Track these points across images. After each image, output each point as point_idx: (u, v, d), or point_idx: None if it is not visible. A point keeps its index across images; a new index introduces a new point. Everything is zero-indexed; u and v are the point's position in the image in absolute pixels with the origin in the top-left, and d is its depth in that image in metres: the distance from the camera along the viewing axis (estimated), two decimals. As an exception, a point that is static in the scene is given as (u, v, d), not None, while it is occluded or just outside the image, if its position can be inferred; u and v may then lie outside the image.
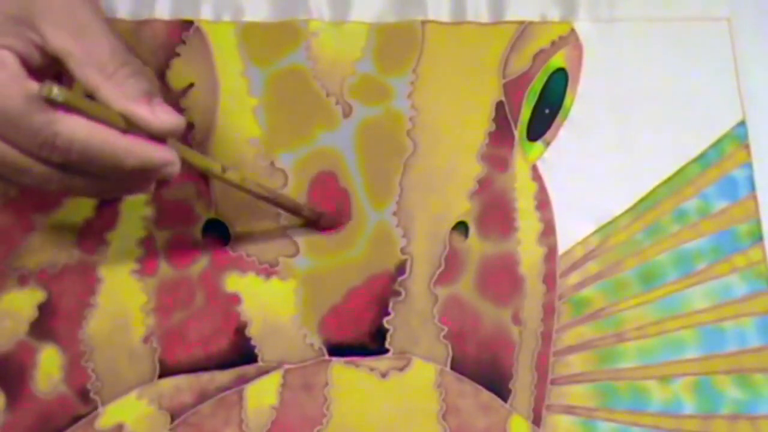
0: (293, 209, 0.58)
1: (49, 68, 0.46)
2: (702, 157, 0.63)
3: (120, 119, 0.45)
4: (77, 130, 0.44)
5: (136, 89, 0.46)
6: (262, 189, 0.55)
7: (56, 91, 0.42)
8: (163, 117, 0.47)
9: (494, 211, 0.61)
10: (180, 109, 0.61)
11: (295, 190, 0.60)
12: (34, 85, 0.43)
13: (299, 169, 0.61)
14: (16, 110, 0.43)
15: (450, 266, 0.60)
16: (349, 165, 0.61)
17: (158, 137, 0.47)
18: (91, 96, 0.46)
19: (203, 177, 0.60)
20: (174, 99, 0.61)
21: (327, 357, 0.57)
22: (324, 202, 0.60)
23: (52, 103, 0.43)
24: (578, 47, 0.65)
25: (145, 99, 0.46)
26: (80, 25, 0.46)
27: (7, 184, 0.59)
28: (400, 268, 0.59)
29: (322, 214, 0.59)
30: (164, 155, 0.47)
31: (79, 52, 0.45)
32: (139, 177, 0.48)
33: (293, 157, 0.61)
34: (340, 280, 0.59)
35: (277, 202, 0.57)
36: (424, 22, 0.65)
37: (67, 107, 0.43)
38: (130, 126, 0.46)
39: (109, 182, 0.48)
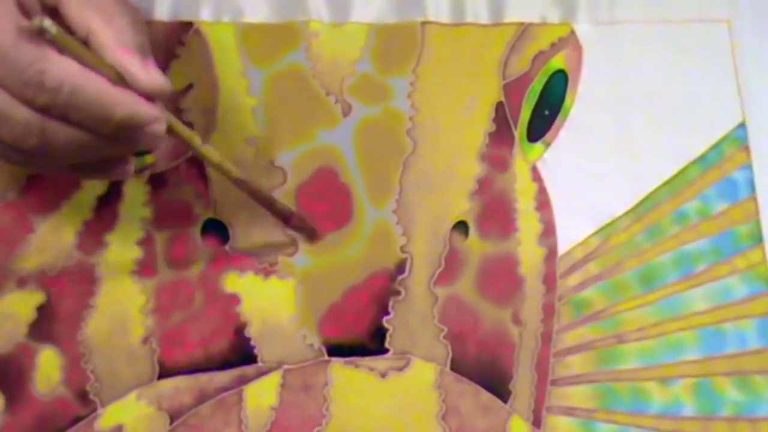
0: (265, 201, 0.57)
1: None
2: (702, 158, 0.63)
3: (111, 69, 0.44)
4: (67, 70, 0.42)
5: (132, 40, 0.45)
6: (236, 172, 0.54)
7: (49, 22, 0.41)
8: (154, 76, 0.45)
9: (494, 212, 0.61)
10: (180, 110, 0.61)
11: (295, 187, 0.61)
12: (25, 22, 0.42)
13: (299, 167, 0.61)
14: (5, 44, 0.41)
15: (450, 266, 0.59)
16: (349, 162, 0.61)
17: (146, 94, 0.46)
18: (84, 42, 0.44)
19: (202, 177, 0.60)
20: (174, 100, 0.61)
21: (326, 357, 0.57)
22: (324, 199, 0.60)
23: (43, 37, 0.41)
24: (578, 49, 0.65)
25: (139, 53, 0.45)
26: None
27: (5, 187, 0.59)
28: (400, 267, 0.59)
29: (293, 213, 0.59)
30: (153, 110, 0.46)
31: None
32: (124, 135, 0.46)
33: (293, 155, 0.61)
34: (340, 279, 0.59)
35: (250, 188, 0.56)
36: (423, 23, 0.65)
37: (59, 47, 0.42)
38: (119, 79, 0.44)
39: (93, 139, 0.46)
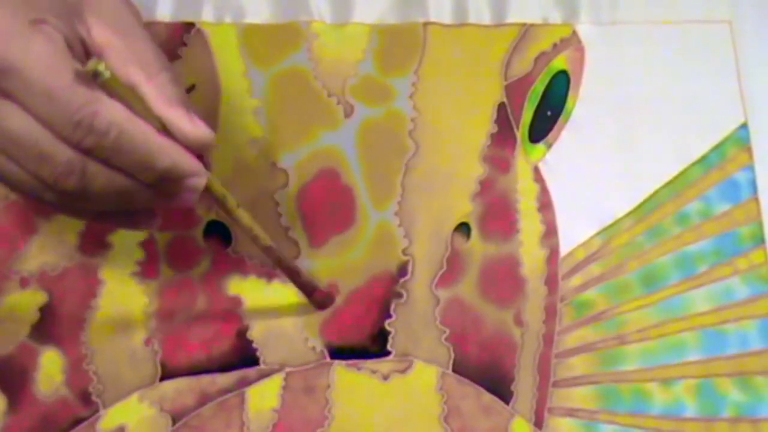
0: (289, 272, 0.56)
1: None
2: (704, 159, 0.63)
3: (157, 119, 0.44)
4: (117, 114, 0.42)
5: (176, 96, 0.45)
6: (267, 239, 0.53)
7: (103, 66, 0.41)
8: (201, 128, 0.46)
9: (496, 213, 0.61)
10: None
11: (297, 189, 0.61)
12: (79, 65, 0.42)
13: (301, 168, 0.61)
14: (59, 83, 0.41)
15: (452, 268, 0.59)
16: (351, 164, 0.61)
17: (191, 146, 0.46)
18: None
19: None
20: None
21: (329, 359, 0.57)
22: (327, 200, 0.60)
23: (96, 80, 0.41)
24: (580, 50, 0.65)
25: (183, 107, 0.45)
26: (126, 26, 0.45)
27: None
28: (402, 270, 0.59)
29: (317, 288, 0.58)
30: (195, 164, 0.46)
31: (123, 47, 0.44)
32: (163, 186, 0.46)
33: (295, 156, 0.61)
34: (342, 281, 0.59)
35: (278, 258, 0.55)
36: (425, 24, 0.65)
37: (110, 91, 0.42)
38: (165, 129, 0.45)
39: (132, 185, 0.45)
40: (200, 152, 0.47)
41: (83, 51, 0.44)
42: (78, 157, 0.43)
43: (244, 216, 0.51)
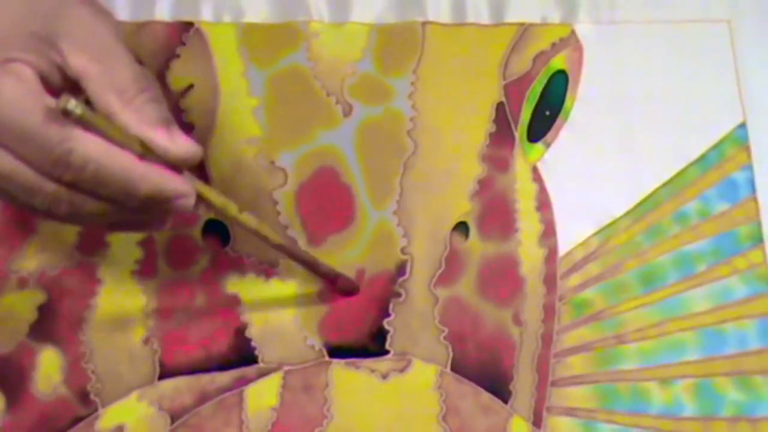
0: (309, 264, 0.57)
1: (66, 89, 0.44)
2: (702, 159, 0.63)
3: (137, 144, 0.44)
4: (93, 148, 0.43)
5: (154, 116, 0.45)
6: (277, 238, 0.53)
7: (73, 103, 0.41)
8: (181, 144, 0.45)
9: (495, 212, 0.61)
10: (180, 110, 0.61)
11: (296, 188, 0.61)
12: (51, 101, 0.42)
13: (299, 167, 0.61)
14: (31, 124, 0.41)
15: (450, 267, 0.60)
16: (350, 163, 0.61)
17: (175, 164, 0.45)
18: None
19: (203, 178, 0.59)
20: (174, 100, 0.61)
21: (327, 358, 0.57)
22: (325, 199, 0.60)
23: (68, 117, 0.41)
24: (579, 49, 0.65)
25: (163, 126, 0.45)
26: (102, 48, 0.45)
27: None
28: (401, 269, 0.59)
29: (339, 275, 0.58)
30: (179, 186, 0.45)
31: (100, 75, 0.44)
32: (152, 208, 0.46)
33: (293, 155, 0.61)
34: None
35: (292, 252, 0.55)
36: (424, 23, 0.65)
37: (84, 124, 0.42)
38: (146, 151, 0.44)
39: (121, 210, 0.46)
40: (187, 167, 0.46)
41: (62, 78, 0.44)
42: (63, 189, 0.43)
43: (249, 219, 0.51)
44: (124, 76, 0.44)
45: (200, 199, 0.47)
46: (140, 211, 0.47)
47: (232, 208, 0.50)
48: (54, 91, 0.43)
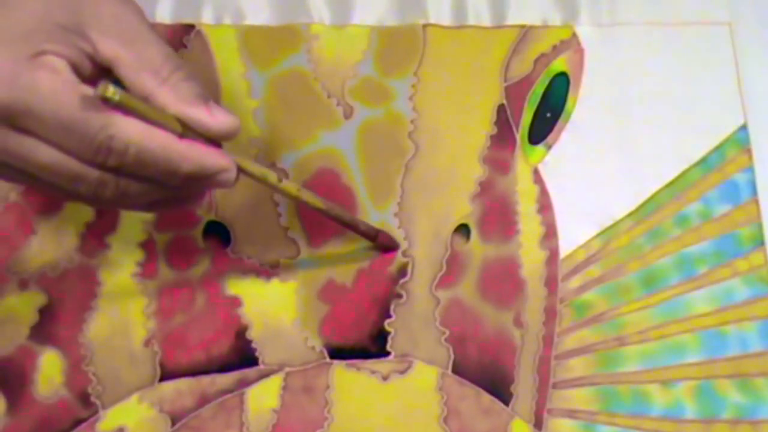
0: (349, 223, 0.57)
1: (99, 78, 0.44)
2: (704, 161, 0.63)
3: (176, 122, 0.44)
4: (133, 132, 0.43)
5: (191, 93, 0.45)
6: (318, 201, 0.54)
7: (112, 89, 0.41)
8: (221, 118, 0.45)
9: (496, 214, 0.61)
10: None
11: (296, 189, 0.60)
12: (88, 89, 0.42)
13: (300, 169, 0.61)
14: (71, 115, 0.41)
15: (451, 269, 0.60)
16: (351, 165, 0.61)
17: (216, 139, 0.46)
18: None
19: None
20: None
21: (328, 360, 0.57)
22: (328, 200, 0.60)
23: (107, 104, 0.42)
24: (579, 51, 0.65)
25: (201, 102, 0.45)
26: (130, 32, 0.45)
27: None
28: (402, 270, 0.59)
29: (379, 231, 0.59)
30: (220, 161, 0.46)
31: (131, 57, 0.44)
32: (194, 184, 0.47)
33: (294, 157, 0.61)
34: (341, 281, 0.59)
35: (333, 214, 0.56)
36: (425, 26, 0.65)
37: (123, 109, 0.42)
38: (186, 129, 0.45)
39: (164, 189, 0.46)
40: (228, 140, 0.47)
41: (93, 67, 0.44)
42: (107, 174, 0.44)
43: (290, 187, 0.52)
44: (156, 57, 0.45)
45: (240, 170, 0.48)
46: (183, 189, 0.47)
47: (272, 177, 0.50)
48: (86, 80, 0.43)
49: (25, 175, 0.44)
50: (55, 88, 0.41)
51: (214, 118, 0.45)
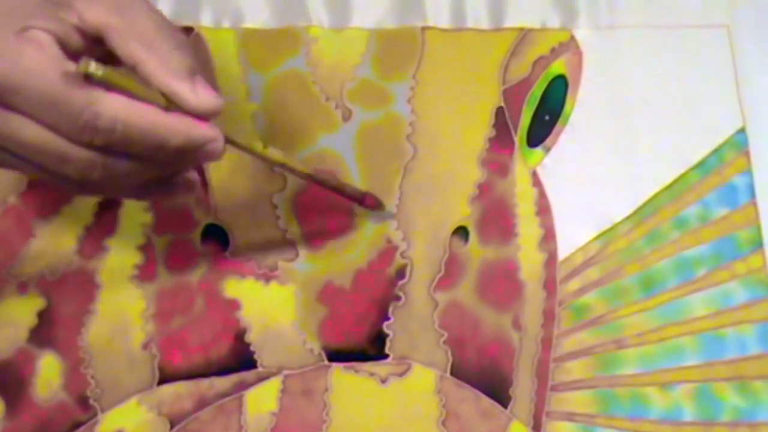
0: (336, 188, 0.58)
1: (88, 52, 0.44)
2: (702, 164, 0.63)
3: (160, 96, 0.44)
4: (119, 108, 0.42)
5: (180, 64, 0.44)
6: (303, 167, 0.55)
7: (94, 66, 0.41)
8: (204, 97, 0.45)
9: (494, 217, 0.61)
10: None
11: (295, 192, 0.61)
12: (71, 65, 0.42)
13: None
14: (55, 92, 0.41)
15: (450, 271, 0.60)
16: (350, 167, 0.61)
17: (198, 116, 0.45)
18: (132, 73, 0.44)
19: (202, 183, 0.60)
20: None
21: (327, 362, 0.57)
22: (325, 203, 0.60)
23: (91, 81, 0.41)
24: (578, 54, 0.66)
25: (188, 76, 0.45)
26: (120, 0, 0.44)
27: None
28: (400, 272, 0.59)
29: (366, 194, 0.59)
30: (208, 132, 0.46)
31: (121, 25, 0.44)
32: (183, 158, 0.47)
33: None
34: (340, 284, 0.59)
35: (319, 180, 0.56)
36: (424, 29, 0.65)
37: (107, 85, 0.42)
38: (170, 104, 0.44)
39: (153, 167, 0.46)
40: (211, 118, 0.46)
41: (83, 39, 0.44)
42: (94, 153, 0.43)
43: (275, 154, 0.52)
44: (146, 25, 0.44)
45: (226, 141, 0.48)
46: (172, 165, 0.47)
47: (258, 146, 0.51)
48: (75, 54, 0.43)
49: (12, 156, 0.44)
50: (40, 64, 0.41)
51: (197, 97, 0.45)
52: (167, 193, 0.51)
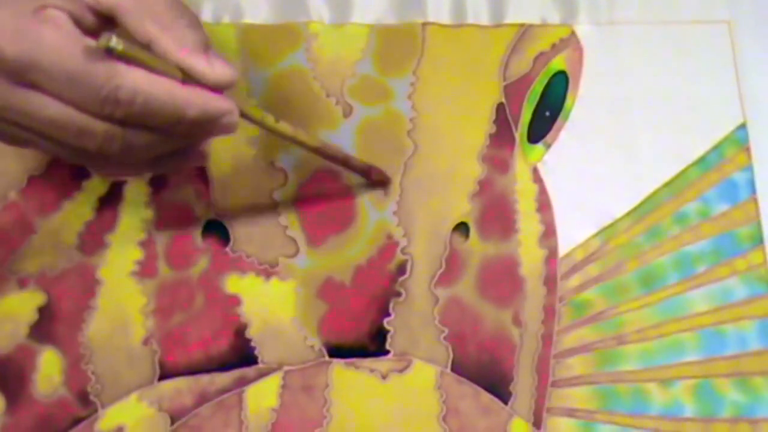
0: (343, 161, 0.58)
1: (102, 30, 0.44)
2: (702, 160, 0.63)
3: (177, 70, 0.45)
4: (139, 81, 0.43)
5: (192, 41, 0.46)
6: (313, 140, 0.55)
7: (115, 39, 0.42)
8: (219, 69, 0.46)
9: (495, 213, 0.61)
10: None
11: (296, 188, 0.61)
12: (91, 42, 0.43)
13: (299, 167, 0.61)
14: (77, 67, 0.42)
15: (451, 267, 0.60)
16: (350, 164, 0.61)
17: (215, 89, 0.47)
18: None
19: (203, 179, 0.60)
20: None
21: (327, 358, 0.57)
22: (325, 200, 0.61)
23: (111, 55, 0.42)
24: (579, 50, 0.65)
25: (202, 51, 0.46)
26: None
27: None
28: (401, 268, 0.59)
29: (372, 167, 0.60)
30: (223, 104, 0.47)
31: (134, 5, 0.45)
32: (199, 130, 0.47)
33: (293, 156, 0.61)
34: (340, 280, 0.59)
35: (327, 153, 0.57)
36: (424, 24, 0.65)
37: (126, 59, 0.43)
38: (187, 77, 0.45)
39: (170, 139, 0.47)
40: (226, 90, 0.47)
41: (95, 18, 0.45)
42: (114, 126, 0.44)
43: (285, 128, 0.53)
44: (157, 3, 0.45)
45: (239, 115, 0.49)
46: (188, 138, 0.48)
47: (269, 119, 0.52)
48: (88, 32, 0.44)
49: (31, 132, 0.45)
50: (59, 41, 0.42)
51: (212, 69, 0.46)
52: (179, 165, 0.51)
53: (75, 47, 0.42)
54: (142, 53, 0.44)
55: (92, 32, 0.44)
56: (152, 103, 0.44)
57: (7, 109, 0.43)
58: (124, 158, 0.47)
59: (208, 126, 0.47)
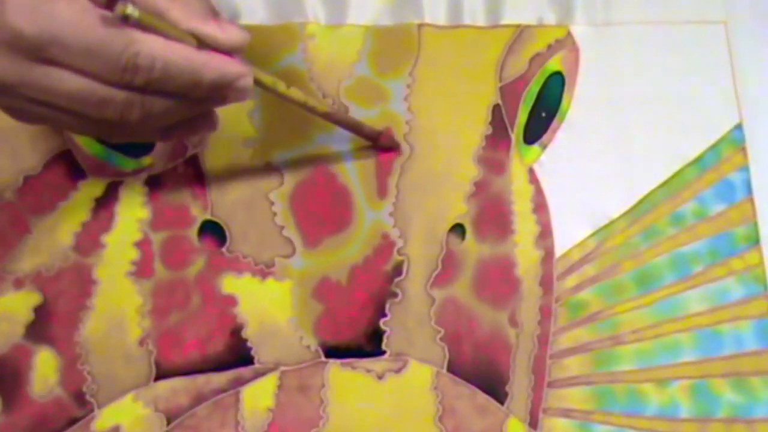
0: (353, 127, 0.59)
1: (112, 3, 0.44)
2: (699, 160, 0.64)
3: (191, 37, 0.46)
4: (157, 47, 0.44)
5: (202, 8, 0.46)
6: (323, 106, 0.56)
7: (131, 8, 0.42)
8: (232, 33, 0.47)
9: (491, 214, 0.61)
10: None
11: (292, 189, 0.61)
12: (106, 12, 0.43)
13: (295, 168, 0.61)
14: (95, 37, 0.42)
15: (447, 268, 0.60)
16: (346, 165, 0.61)
17: (227, 52, 0.47)
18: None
19: (199, 179, 0.60)
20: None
21: (323, 359, 0.57)
22: (322, 200, 0.60)
23: (127, 23, 0.43)
24: (575, 51, 0.66)
25: (212, 17, 0.47)
26: None
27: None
28: (397, 269, 0.59)
29: (380, 133, 0.60)
30: (238, 67, 0.47)
31: None
32: (215, 94, 0.48)
33: (289, 156, 0.61)
34: (336, 280, 0.59)
35: (336, 119, 0.58)
36: (420, 26, 0.65)
37: (142, 27, 0.44)
38: (200, 43, 0.46)
39: (187, 105, 0.48)
40: (239, 53, 0.48)
41: None
42: (133, 94, 0.45)
43: (296, 93, 0.54)
44: None
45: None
46: (204, 103, 0.49)
47: (281, 85, 0.53)
48: (99, 6, 0.44)
49: (49, 108, 0.45)
50: (75, 14, 0.42)
51: (225, 33, 0.47)
52: (192, 132, 0.52)
53: (91, 19, 0.42)
54: (157, 20, 0.44)
55: (103, 5, 0.44)
56: (171, 68, 0.45)
57: (27, 86, 0.44)
58: (142, 126, 0.48)
59: (224, 90, 0.48)
